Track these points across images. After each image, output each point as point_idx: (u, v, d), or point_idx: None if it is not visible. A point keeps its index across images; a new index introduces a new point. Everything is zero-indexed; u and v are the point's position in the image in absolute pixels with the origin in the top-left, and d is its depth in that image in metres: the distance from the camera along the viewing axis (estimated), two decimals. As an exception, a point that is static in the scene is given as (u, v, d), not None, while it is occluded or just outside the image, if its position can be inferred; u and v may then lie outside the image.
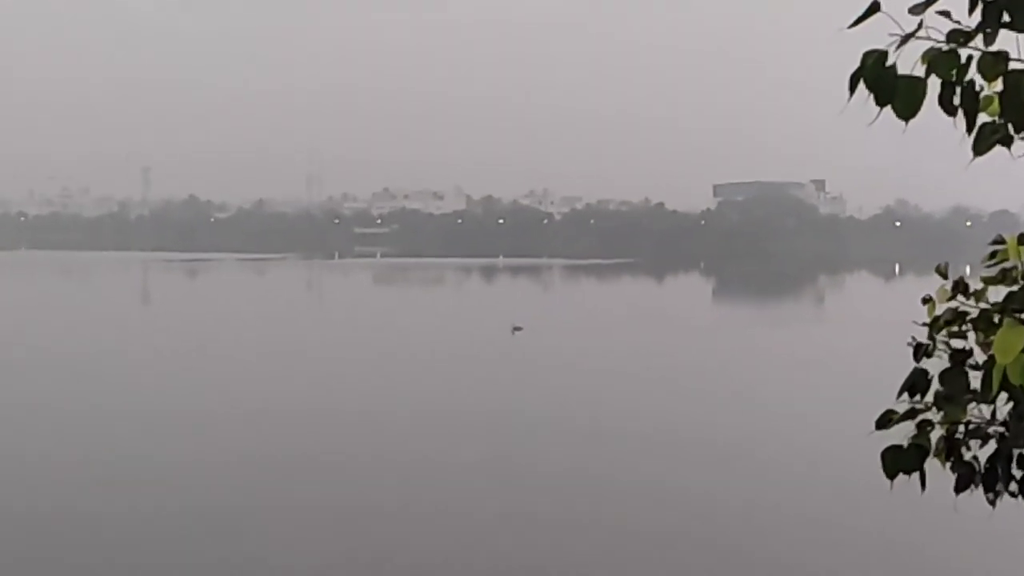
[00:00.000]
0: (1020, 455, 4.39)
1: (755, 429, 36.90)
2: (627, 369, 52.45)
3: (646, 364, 54.58)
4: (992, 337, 4.01)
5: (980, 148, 3.81)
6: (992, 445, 4.44)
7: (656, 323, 74.36)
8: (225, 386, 45.70)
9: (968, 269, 5.87)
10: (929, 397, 4.47)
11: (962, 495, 4.49)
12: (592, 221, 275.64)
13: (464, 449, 33.12)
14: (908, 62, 3.65)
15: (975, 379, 4.38)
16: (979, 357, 4.42)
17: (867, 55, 3.65)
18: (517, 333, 65.69)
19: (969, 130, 3.77)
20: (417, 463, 31.29)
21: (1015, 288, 4.26)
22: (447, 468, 30.72)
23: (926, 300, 4.73)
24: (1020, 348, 3.72)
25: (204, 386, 45.69)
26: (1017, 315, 4.09)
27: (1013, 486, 4.44)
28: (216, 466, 30.54)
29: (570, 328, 70.15)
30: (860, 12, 3.67)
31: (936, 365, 4.53)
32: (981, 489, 4.46)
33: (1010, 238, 4.46)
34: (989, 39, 3.67)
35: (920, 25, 3.64)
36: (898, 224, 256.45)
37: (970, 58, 3.69)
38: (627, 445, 34.25)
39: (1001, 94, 3.70)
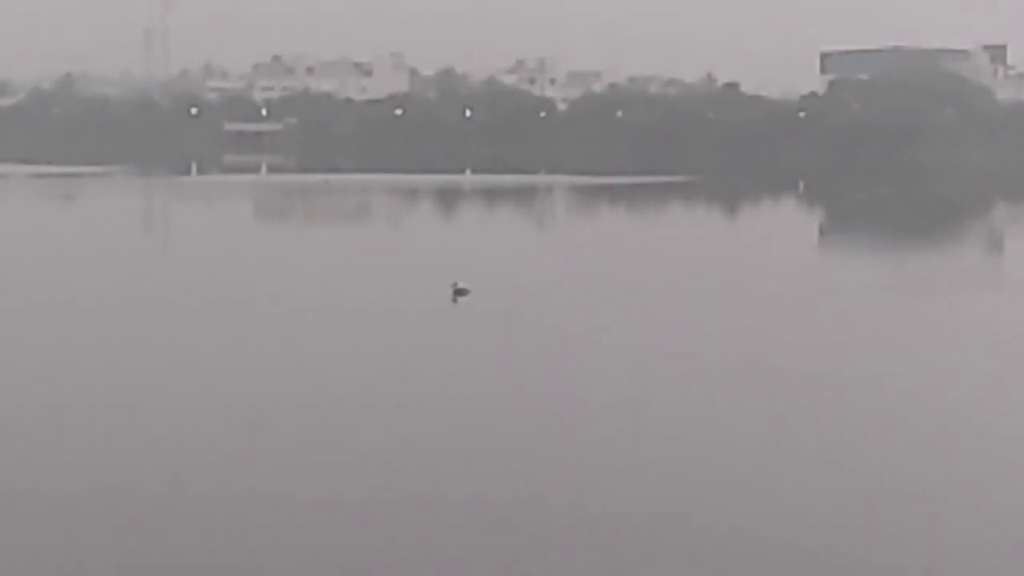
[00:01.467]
0: None
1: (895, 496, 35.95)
2: (657, 382, 51.14)
3: (695, 370, 53.42)
4: None
5: None
6: None
7: (720, 288, 73.64)
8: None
9: None
10: None
11: None
12: (619, 113, 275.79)
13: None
14: None
15: None
16: None
17: None
18: (460, 299, 65.40)
19: None
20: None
21: None
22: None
23: None
24: None
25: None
26: None
27: None
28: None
29: (563, 292, 69.40)
30: None
31: None
32: None
33: None
34: None
35: None
36: None
37: None
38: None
39: None
